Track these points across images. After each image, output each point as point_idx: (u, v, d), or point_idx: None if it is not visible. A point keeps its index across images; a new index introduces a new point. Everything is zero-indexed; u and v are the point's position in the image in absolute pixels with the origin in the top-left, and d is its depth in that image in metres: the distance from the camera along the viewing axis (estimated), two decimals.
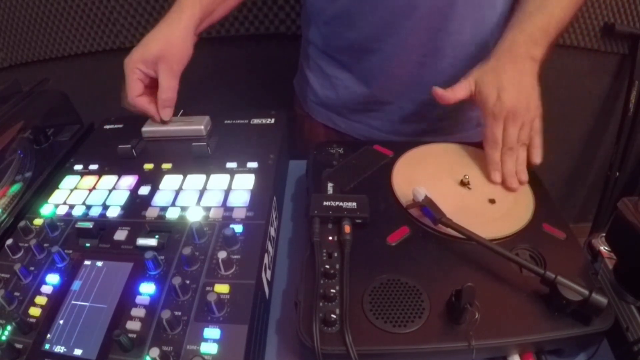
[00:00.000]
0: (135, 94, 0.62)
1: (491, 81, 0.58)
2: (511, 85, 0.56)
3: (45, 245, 0.48)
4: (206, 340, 0.39)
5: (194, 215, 0.50)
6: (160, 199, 0.53)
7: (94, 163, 0.60)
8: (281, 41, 1.20)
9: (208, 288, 0.42)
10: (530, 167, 0.58)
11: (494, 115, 0.57)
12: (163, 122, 0.64)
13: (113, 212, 0.52)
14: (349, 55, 0.74)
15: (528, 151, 0.58)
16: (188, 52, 0.63)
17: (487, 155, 0.58)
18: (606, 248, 0.50)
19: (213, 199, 0.52)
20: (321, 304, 0.42)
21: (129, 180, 0.57)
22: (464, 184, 0.56)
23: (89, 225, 0.49)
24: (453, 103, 0.60)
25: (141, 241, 0.47)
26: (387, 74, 0.72)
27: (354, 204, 0.51)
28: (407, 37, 0.66)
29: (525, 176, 0.56)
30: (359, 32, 0.69)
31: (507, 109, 0.56)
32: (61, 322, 0.41)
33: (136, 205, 0.53)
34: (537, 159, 0.57)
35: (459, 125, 0.79)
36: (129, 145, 0.60)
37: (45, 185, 0.58)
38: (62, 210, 0.53)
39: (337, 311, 0.41)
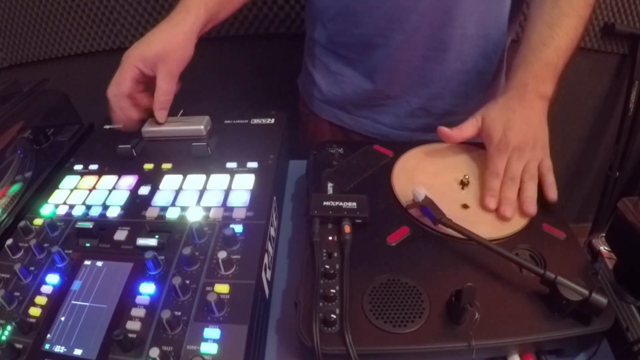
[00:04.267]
0: (124, 92, 0.60)
1: (498, 118, 0.57)
2: (518, 124, 0.55)
3: (45, 245, 0.48)
4: (206, 340, 0.39)
5: (194, 215, 0.50)
6: (160, 199, 0.53)
7: (94, 163, 0.60)
8: (281, 41, 1.20)
9: (208, 288, 0.42)
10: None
11: (498, 151, 0.55)
12: (159, 123, 0.63)
13: (113, 212, 0.52)
14: (355, 51, 0.74)
15: (542, 189, 0.54)
16: (189, 55, 0.62)
17: (485, 182, 0.54)
18: (606, 248, 0.50)
19: (213, 199, 0.52)
20: (321, 304, 0.42)
21: (129, 180, 0.57)
22: (464, 184, 0.55)
23: (89, 225, 0.49)
24: (460, 141, 0.59)
25: (141, 241, 0.47)
26: (393, 68, 0.72)
27: (354, 204, 0.51)
28: (412, 31, 0.66)
29: (532, 208, 0.51)
30: (364, 28, 0.69)
31: (512, 146, 0.54)
32: (61, 321, 0.41)
33: (136, 205, 0.53)
34: (553, 195, 0.53)
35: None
36: (129, 145, 0.60)
37: (45, 185, 0.58)
38: (62, 210, 0.53)
39: (337, 311, 0.41)
